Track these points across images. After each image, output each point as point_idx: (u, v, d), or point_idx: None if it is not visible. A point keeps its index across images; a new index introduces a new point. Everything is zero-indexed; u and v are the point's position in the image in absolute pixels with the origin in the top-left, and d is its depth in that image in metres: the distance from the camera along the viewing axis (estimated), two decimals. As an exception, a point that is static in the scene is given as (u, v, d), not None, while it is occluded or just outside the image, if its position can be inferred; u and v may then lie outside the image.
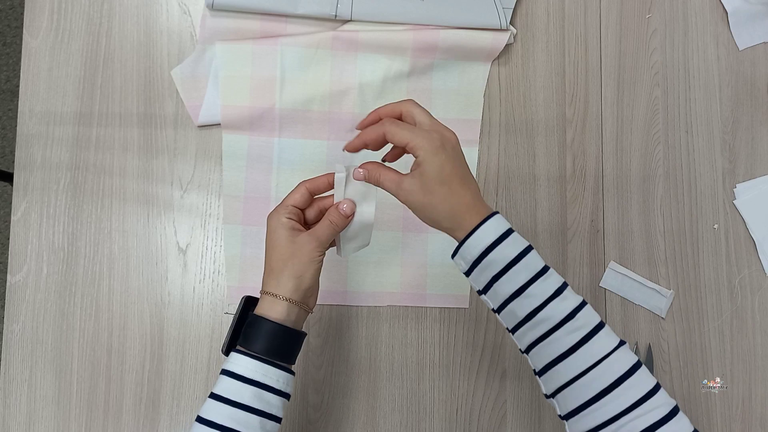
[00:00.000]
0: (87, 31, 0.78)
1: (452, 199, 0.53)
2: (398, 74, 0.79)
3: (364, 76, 0.78)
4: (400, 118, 0.56)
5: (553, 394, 0.52)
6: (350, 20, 0.78)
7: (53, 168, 0.76)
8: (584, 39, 0.83)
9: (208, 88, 0.77)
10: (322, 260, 0.58)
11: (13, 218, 0.76)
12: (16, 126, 0.76)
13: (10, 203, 0.76)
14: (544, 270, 0.52)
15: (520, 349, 0.54)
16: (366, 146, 0.56)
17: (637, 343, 0.78)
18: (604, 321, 0.52)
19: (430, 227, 0.60)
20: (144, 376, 0.74)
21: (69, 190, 0.76)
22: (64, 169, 0.76)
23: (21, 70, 0.77)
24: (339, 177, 0.57)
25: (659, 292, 0.79)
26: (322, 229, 0.57)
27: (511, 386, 0.77)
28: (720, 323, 0.79)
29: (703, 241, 0.80)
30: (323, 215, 0.58)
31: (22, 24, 0.78)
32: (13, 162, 0.77)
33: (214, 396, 0.54)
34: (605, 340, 0.51)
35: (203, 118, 0.77)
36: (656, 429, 0.47)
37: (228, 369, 0.54)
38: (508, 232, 0.52)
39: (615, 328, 0.78)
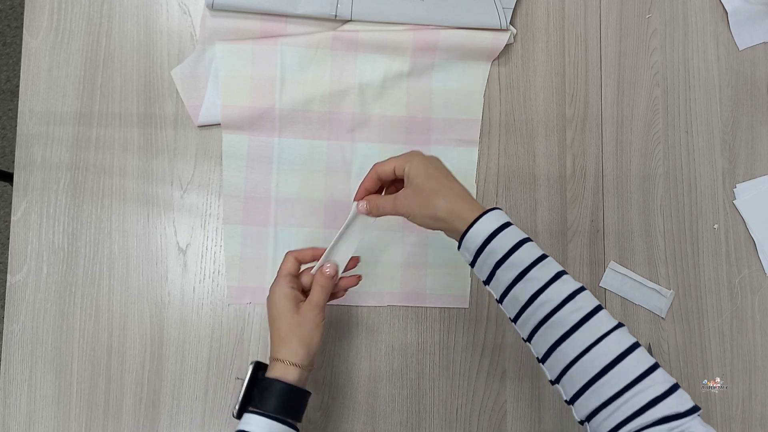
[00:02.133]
0: (87, 31, 0.78)
1: (445, 191, 0.57)
2: (398, 74, 0.79)
3: (364, 76, 0.78)
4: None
5: (558, 378, 0.53)
6: (350, 20, 0.78)
7: (53, 168, 0.76)
8: (584, 39, 0.83)
9: (208, 88, 0.77)
10: (325, 321, 0.62)
11: (13, 218, 0.76)
12: (16, 126, 0.76)
13: (10, 203, 0.76)
14: (544, 257, 0.55)
15: (523, 338, 0.55)
16: (368, 191, 0.63)
17: (637, 343, 0.78)
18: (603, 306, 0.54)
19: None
20: (144, 376, 0.74)
21: (69, 190, 0.76)
22: (64, 169, 0.76)
23: (21, 70, 0.77)
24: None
25: (659, 292, 0.79)
26: (317, 295, 0.62)
27: (511, 386, 0.77)
28: (720, 323, 0.79)
29: (703, 241, 0.80)
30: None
31: (22, 24, 0.78)
32: (13, 162, 0.77)
33: None
34: (605, 320, 0.52)
35: (203, 118, 0.77)
36: (656, 404, 0.48)
37: (244, 429, 0.57)
38: (507, 224, 0.56)
39: (615, 328, 0.78)
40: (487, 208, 0.56)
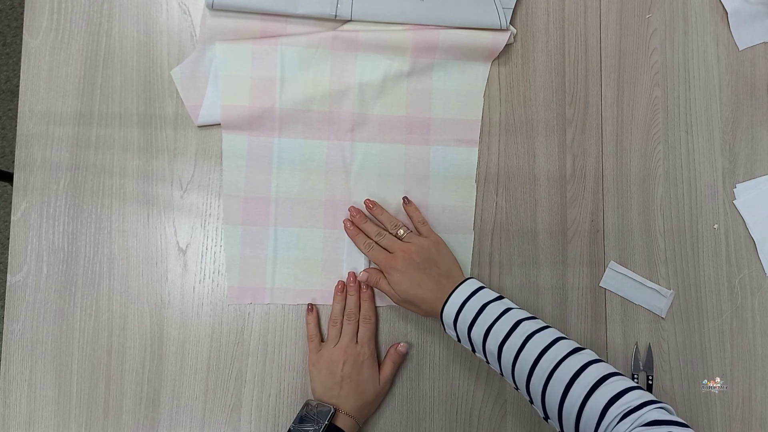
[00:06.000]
0: (87, 31, 0.78)
1: (424, 297, 0.69)
2: (398, 74, 0.79)
3: (364, 76, 0.78)
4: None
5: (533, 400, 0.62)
6: (350, 20, 0.78)
7: (53, 168, 0.76)
8: (584, 39, 0.83)
9: (208, 88, 0.77)
10: None
11: (13, 218, 0.76)
12: (16, 126, 0.76)
13: (10, 203, 0.76)
14: (519, 316, 0.65)
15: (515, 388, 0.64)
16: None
17: (637, 343, 0.78)
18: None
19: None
20: (144, 376, 0.74)
21: (69, 190, 0.76)
22: (64, 169, 0.76)
23: (21, 70, 0.77)
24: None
25: (659, 292, 0.79)
26: (389, 369, 0.74)
27: (511, 386, 0.76)
28: (720, 323, 0.79)
29: (703, 241, 0.80)
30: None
31: (22, 24, 0.78)
32: (13, 162, 0.77)
33: None
34: (563, 346, 0.61)
35: (203, 118, 0.77)
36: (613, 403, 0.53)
37: None
38: (476, 290, 0.67)
39: (615, 328, 0.79)
40: (455, 287, 0.68)
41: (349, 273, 0.76)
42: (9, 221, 0.76)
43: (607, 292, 0.79)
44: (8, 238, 0.75)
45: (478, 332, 0.64)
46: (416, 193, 0.78)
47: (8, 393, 0.73)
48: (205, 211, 0.77)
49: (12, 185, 0.77)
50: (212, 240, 0.77)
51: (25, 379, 0.73)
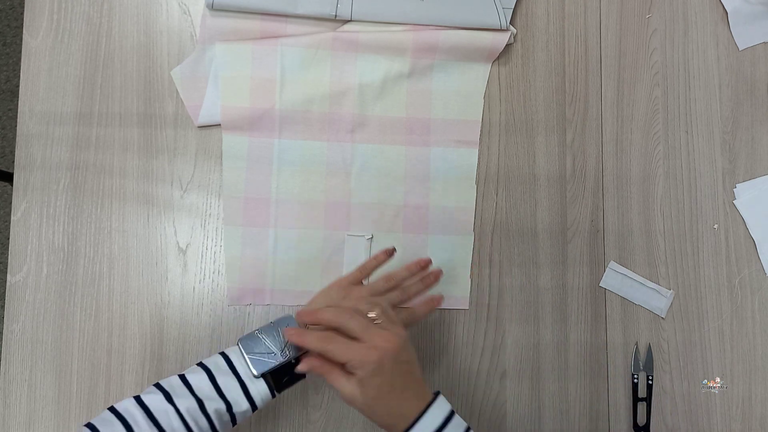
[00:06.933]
0: (87, 31, 0.78)
1: (390, 408, 0.54)
2: (398, 75, 0.79)
3: (364, 76, 0.78)
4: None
5: None
6: (350, 20, 0.78)
7: (53, 168, 0.76)
8: (584, 39, 0.83)
9: (208, 89, 0.77)
10: None
11: (13, 218, 0.76)
12: (16, 126, 0.76)
13: (10, 203, 0.76)
14: None
15: None
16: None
17: (637, 343, 0.78)
18: None
19: (430, 229, 0.71)
20: (144, 376, 0.74)
21: (69, 190, 0.76)
22: (64, 169, 0.76)
23: (21, 70, 0.77)
24: None
25: (659, 292, 0.79)
26: (420, 315, 0.66)
27: (511, 386, 0.77)
28: (720, 323, 0.79)
29: (703, 241, 0.80)
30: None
31: (22, 24, 0.78)
32: (13, 162, 0.77)
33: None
34: None
35: (203, 118, 0.77)
36: None
37: (250, 392, 0.57)
38: (448, 419, 0.54)
39: (615, 328, 0.79)
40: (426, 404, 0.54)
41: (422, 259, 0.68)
42: (9, 221, 0.76)
43: (607, 292, 0.79)
44: (8, 238, 0.75)
45: None
46: (416, 195, 0.78)
47: (8, 393, 0.73)
48: (205, 211, 0.77)
49: (12, 185, 0.77)
50: (212, 240, 0.77)
51: (25, 379, 0.73)
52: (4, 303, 0.75)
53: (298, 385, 0.75)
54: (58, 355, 0.74)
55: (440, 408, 0.55)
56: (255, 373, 0.56)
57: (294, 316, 0.61)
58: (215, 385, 0.56)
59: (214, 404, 0.55)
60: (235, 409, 0.56)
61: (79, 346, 0.74)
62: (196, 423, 0.54)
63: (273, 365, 0.57)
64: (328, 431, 0.75)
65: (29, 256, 0.75)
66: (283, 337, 0.58)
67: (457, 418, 0.55)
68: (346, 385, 0.54)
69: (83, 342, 0.74)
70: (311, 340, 0.56)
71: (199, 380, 0.56)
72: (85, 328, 0.75)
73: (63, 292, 0.75)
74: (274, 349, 0.58)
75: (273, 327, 0.59)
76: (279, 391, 0.59)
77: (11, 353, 0.74)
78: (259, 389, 0.57)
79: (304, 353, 0.58)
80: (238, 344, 0.59)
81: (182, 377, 0.57)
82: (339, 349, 0.54)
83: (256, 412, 0.59)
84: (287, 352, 0.58)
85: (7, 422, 0.72)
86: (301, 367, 0.57)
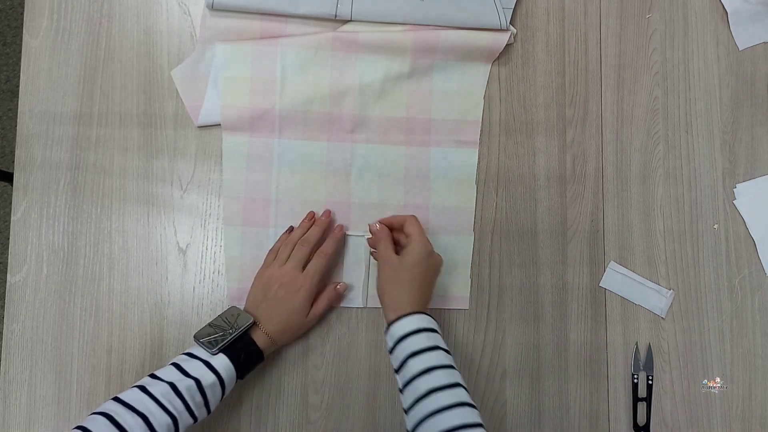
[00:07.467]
0: (87, 31, 0.78)
1: (407, 288, 0.67)
2: (398, 75, 0.79)
3: (364, 77, 0.78)
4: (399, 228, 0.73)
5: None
6: (350, 20, 0.78)
7: (53, 168, 0.76)
8: (584, 39, 0.83)
9: (208, 89, 0.77)
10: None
11: (13, 218, 0.76)
12: (16, 126, 0.76)
13: (10, 203, 0.76)
14: (452, 367, 0.63)
15: (407, 429, 0.62)
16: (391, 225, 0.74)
17: (637, 343, 0.78)
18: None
19: (430, 229, 0.75)
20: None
21: (69, 190, 0.76)
22: (64, 169, 0.76)
23: (21, 70, 0.77)
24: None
25: (659, 292, 0.79)
26: (322, 305, 0.73)
27: (511, 386, 0.77)
28: (720, 323, 0.79)
29: (703, 241, 0.80)
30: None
31: (22, 24, 0.78)
32: (13, 162, 0.77)
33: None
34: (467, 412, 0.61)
35: (203, 118, 0.77)
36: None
37: (214, 366, 0.64)
38: (431, 329, 0.65)
39: (615, 328, 0.79)
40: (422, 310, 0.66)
41: (326, 210, 0.77)
42: (9, 221, 0.76)
43: (607, 292, 0.79)
44: (8, 238, 0.75)
45: (414, 363, 0.62)
46: (416, 194, 0.78)
47: (8, 393, 0.73)
48: (205, 211, 0.77)
49: (12, 185, 0.77)
50: (212, 240, 0.77)
51: (25, 379, 0.73)
52: (4, 303, 0.75)
53: (299, 386, 0.75)
54: (58, 355, 0.74)
55: (425, 320, 0.65)
56: (212, 350, 0.64)
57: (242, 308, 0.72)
58: (182, 370, 0.62)
59: (184, 383, 0.61)
60: (204, 384, 0.62)
61: (79, 346, 0.74)
62: (171, 403, 0.59)
63: (226, 339, 0.65)
64: (328, 431, 0.75)
65: (29, 256, 0.75)
66: (229, 319, 0.68)
67: (437, 336, 0.65)
68: (392, 254, 0.69)
69: (83, 342, 0.74)
70: (408, 217, 0.73)
71: (168, 372, 0.62)
72: (85, 328, 0.75)
73: (63, 292, 0.75)
74: (223, 330, 0.66)
75: (220, 316, 0.69)
76: (241, 371, 0.66)
77: (11, 353, 0.74)
78: (221, 361, 0.64)
79: (249, 325, 0.67)
80: (194, 339, 0.66)
81: (152, 375, 0.62)
82: (415, 227, 0.71)
83: (227, 395, 0.65)
84: (235, 329, 0.67)
85: (7, 422, 0.72)
86: (372, 228, 0.73)
